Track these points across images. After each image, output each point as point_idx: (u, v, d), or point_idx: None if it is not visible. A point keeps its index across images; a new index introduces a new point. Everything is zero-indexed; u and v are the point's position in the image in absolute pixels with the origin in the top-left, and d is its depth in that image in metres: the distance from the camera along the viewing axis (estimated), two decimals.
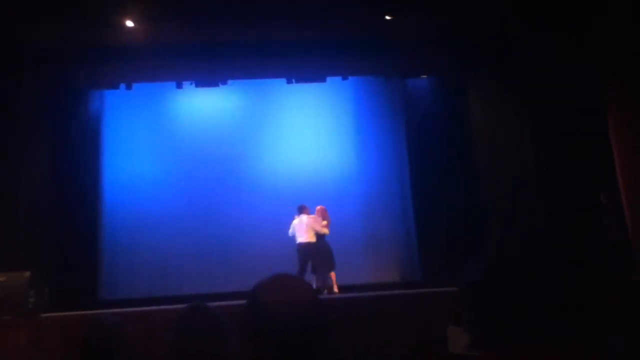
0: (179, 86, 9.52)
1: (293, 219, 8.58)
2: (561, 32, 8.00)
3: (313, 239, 8.43)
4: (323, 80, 9.64)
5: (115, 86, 9.39)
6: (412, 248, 9.74)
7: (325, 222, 8.58)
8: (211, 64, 9.07)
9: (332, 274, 8.47)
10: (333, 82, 9.83)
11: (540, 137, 8.44)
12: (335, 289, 8.35)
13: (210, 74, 9.32)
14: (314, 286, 8.15)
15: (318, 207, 8.68)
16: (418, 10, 8.14)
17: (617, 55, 7.41)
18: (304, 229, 8.46)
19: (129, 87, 9.41)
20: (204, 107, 10.26)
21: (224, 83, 9.52)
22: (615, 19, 7.29)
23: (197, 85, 9.50)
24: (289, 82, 9.66)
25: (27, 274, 6.32)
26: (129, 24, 7.92)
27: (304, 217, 8.53)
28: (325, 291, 8.22)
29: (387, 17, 8.14)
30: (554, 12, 7.86)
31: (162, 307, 6.57)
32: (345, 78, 9.80)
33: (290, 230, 8.55)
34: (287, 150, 10.14)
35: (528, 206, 8.52)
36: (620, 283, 5.90)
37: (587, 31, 7.72)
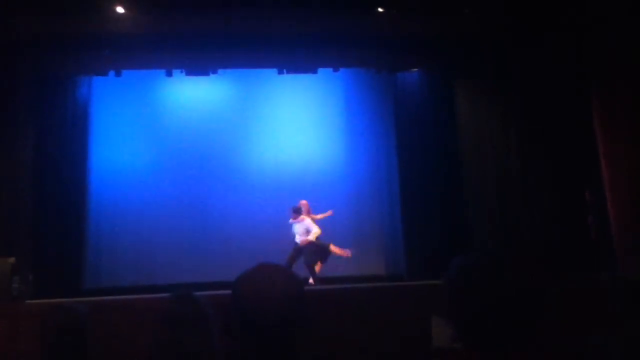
0: (169, 74, 9.42)
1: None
2: (548, 36, 8.09)
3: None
4: (314, 71, 9.60)
5: (104, 73, 9.28)
6: (397, 241, 9.76)
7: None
8: (202, 52, 9.00)
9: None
10: (324, 74, 9.79)
11: (526, 135, 8.54)
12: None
13: (200, 63, 9.24)
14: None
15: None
16: (409, 5, 8.15)
17: (603, 57, 7.50)
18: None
19: (118, 74, 9.29)
20: (193, 96, 10.18)
21: (215, 72, 9.44)
22: (599, 22, 7.38)
23: (187, 74, 9.41)
24: (279, 72, 9.60)
25: (12, 260, 6.27)
26: (120, 10, 7.85)
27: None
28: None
29: (379, 10, 8.14)
30: (540, 16, 7.94)
31: (146, 295, 6.55)
32: (336, 70, 9.76)
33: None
34: (276, 141, 10.11)
35: (513, 204, 8.59)
36: (604, 281, 5.96)
37: (573, 34, 7.81)
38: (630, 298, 2.23)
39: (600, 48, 7.50)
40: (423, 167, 9.56)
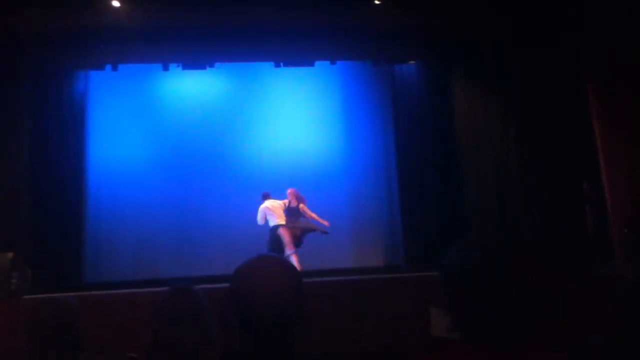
0: (166, 68, 9.39)
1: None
2: (548, 36, 8.08)
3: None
4: (311, 64, 9.58)
5: (100, 67, 9.26)
6: (396, 233, 9.78)
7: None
8: (198, 46, 8.96)
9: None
10: (321, 67, 9.77)
11: (525, 133, 8.54)
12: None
13: (197, 56, 9.21)
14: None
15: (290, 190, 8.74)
16: (409, 3, 8.14)
17: (602, 57, 7.50)
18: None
19: (114, 68, 9.27)
20: (190, 90, 10.16)
21: (211, 66, 9.41)
22: (599, 22, 7.38)
23: (183, 68, 9.39)
24: (276, 65, 9.58)
25: (10, 255, 6.27)
26: (115, 4, 7.81)
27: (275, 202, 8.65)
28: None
29: (376, 2, 8.11)
30: (540, 16, 7.94)
31: (146, 289, 6.56)
32: (333, 62, 9.74)
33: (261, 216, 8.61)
34: (274, 134, 10.10)
35: (511, 197, 8.59)
36: (600, 276, 5.97)
37: (573, 34, 7.80)
38: (630, 297, 2.22)
39: (600, 48, 7.50)
40: (421, 159, 9.57)
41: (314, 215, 8.62)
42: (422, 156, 9.57)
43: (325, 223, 8.59)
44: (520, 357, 1.26)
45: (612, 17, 7.23)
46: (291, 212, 8.57)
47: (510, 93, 8.74)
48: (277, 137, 10.09)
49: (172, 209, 9.60)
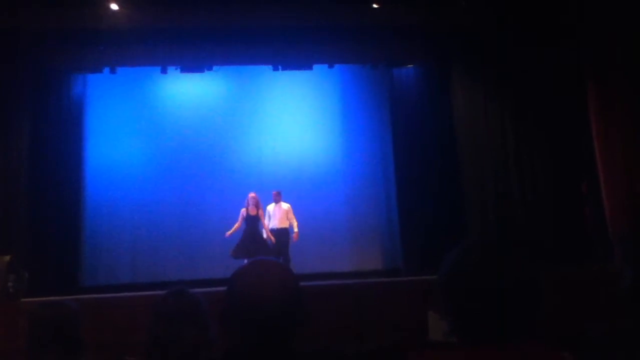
0: (164, 71, 9.39)
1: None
2: (545, 34, 8.11)
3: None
4: (309, 67, 9.58)
5: (98, 70, 9.26)
6: (394, 236, 9.76)
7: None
8: (197, 49, 8.97)
9: None
10: (319, 70, 9.78)
11: (523, 131, 8.57)
12: None
13: (195, 60, 9.22)
14: None
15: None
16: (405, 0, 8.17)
17: (601, 55, 7.52)
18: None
19: (113, 71, 9.28)
20: (188, 93, 10.15)
21: (210, 69, 9.42)
22: (596, 21, 7.41)
23: (182, 71, 9.40)
24: (275, 69, 9.59)
25: (7, 258, 6.27)
26: (114, 7, 7.82)
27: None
28: None
29: (374, 5, 8.13)
30: (538, 14, 7.98)
31: (143, 292, 6.56)
32: (331, 66, 9.75)
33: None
34: (272, 138, 10.09)
35: (509, 197, 8.61)
36: (600, 275, 5.98)
37: (572, 31, 7.83)
38: (630, 297, 2.22)
39: (600, 48, 7.53)
40: (420, 162, 9.56)
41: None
42: (420, 159, 9.55)
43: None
44: (519, 357, 1.26)
45: (612, 18, 7.27)
46: (251, 220, 8.49)
47: (510, 93, 8.76)
48: (276, 140, 10.08)
49: (170, 212, 9.58)
